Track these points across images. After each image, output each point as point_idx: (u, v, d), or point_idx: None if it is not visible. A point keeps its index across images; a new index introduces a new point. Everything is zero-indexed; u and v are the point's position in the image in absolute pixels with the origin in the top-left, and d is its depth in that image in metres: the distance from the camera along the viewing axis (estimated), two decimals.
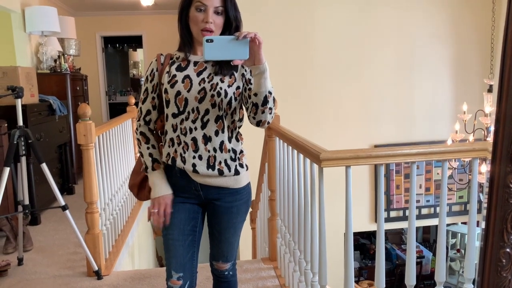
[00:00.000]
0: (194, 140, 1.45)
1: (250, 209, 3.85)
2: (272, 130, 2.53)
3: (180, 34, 1.50)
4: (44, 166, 2.39)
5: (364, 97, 4.87)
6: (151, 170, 1.50)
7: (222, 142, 1.47)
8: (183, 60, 1.48)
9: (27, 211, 2.43)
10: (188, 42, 1.48)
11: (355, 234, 7.05)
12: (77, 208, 3.65)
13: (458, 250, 6.78)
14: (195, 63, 1.47)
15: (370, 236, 7.27)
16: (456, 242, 6.95)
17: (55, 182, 2.47)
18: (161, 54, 1.52)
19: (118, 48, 9.49)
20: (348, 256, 1.59)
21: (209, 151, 1.46)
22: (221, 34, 1.45)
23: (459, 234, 6.90)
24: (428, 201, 5.15)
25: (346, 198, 1.57)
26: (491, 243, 0.73)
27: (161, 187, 1.49)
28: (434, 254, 6.87)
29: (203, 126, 1.45)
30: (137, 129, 1.56)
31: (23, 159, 2.39)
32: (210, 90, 1.43)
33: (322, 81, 4.74)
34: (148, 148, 1.52)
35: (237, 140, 1.53)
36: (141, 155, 1.53)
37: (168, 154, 1.50)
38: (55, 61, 4.61)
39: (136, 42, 8.99)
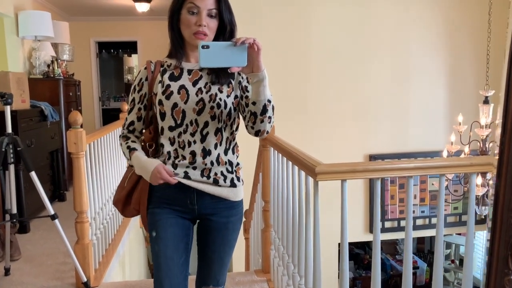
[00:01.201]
0: (193, 153, 1.40)
1: (244, 219, 3.81)
2: (266, 140, 2.49)
3: (171, 39, 1.42)
4: (33, 174, 2.34)
5: (359, 107, 4.84)
6: (129, 160, 1.44)
7: (218, 155, 1.42)
8: (176, 68, 1.40)
9: (14, 220, 2.37)
10: (180, 48, 1.41)
11: (349, 244, 7.02)
12: (68, 216, 3.56)
13: (453, 261, 6.75)
14: (189, 72, 1.40)
15: (365, 246, 7.23)
16: (450, 253, 6.93)
17: (46, 189, 2.42)
18: (151, 62, 1.44)
19: (113, 53, 9.44)
20: (344, 270, 1.55)
21: (205, 164, 1.41)
22: (215, 38, 1.38)
23: (454, 244, 6.89)
24: (423, 211, 5.12)
25: (341, 212, 1.54)
26: (495, 270, 0.69)
27: (147, 164, 1.39)
28: (429, 265, 6.84)
29: (203, 139, 1.39)
30: (119, 136, 1.53)
31: (11, 167, 2.34)
32: (209, 102, 1.37)
33: (317, 90, 4.72)
34: (127, 143, 1.47)
35: (233, 152, 1.47)
36: (124, 154, 1.48)
37: (169, 156, 1.45)
38: (48, 66, 4.55)
39: (131, 47, 8.95)
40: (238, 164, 1.49)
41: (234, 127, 1.46)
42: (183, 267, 1.43)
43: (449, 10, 4.81)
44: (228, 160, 1.44)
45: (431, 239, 7.09)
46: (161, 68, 1.42)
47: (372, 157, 4.93)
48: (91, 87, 7.04)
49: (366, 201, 5.03)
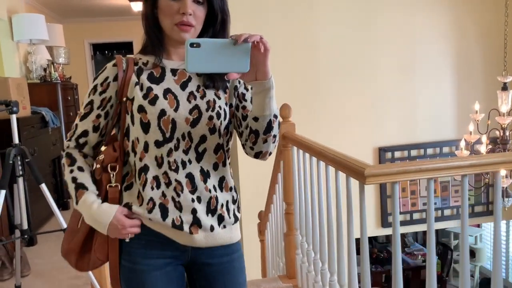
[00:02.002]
0: (190, 176, 1.07)
1: (258, 220, 3.70)
2: (288, 139, 2.36)
3: (145, 30, 1.11)
4: (43, 186, 2.20)
5: (367, 98, 4.73)
6: (75, 204, 1.07)
7: (222, 178, 1.13)
8: (155, 67, 1.09)
9: (26, 236, 2.23)
10: (158, 42, 1.09)
11: (357, 238, 6.94)
12: None
13: None
14: (174, 72, 1.09)
15: (372, 240, 7.15)
16: (459, 244, 6.87)
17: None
18: (122, 58, 1.12)
19: (107, 55, 9.25)
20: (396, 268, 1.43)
21: (210, 191, 1.10)
22: (203, 29, 1.09)
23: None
24: (435, 203, 5.02)
25: (393, 218, 1.42)
26: None
27: (99, 216, 1.05)
28: (440, 258, 6.78)
29: (199, 158, 1.09)
30: (63, 149, 1.13)
31: (20, 180, 2.19)
32: (207, 110, 1.08)
33: (324, 84, 4.60)
34: (71, 171, 1.08)
35: (232, 175, 1.20)
36: (66, 182, 1.11)
37: (151, 199, 1.07)
38: (44, 70, 4.40)
39: (125, 48, 8.75)
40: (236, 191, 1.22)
41: (230, 143, 1.18)
42: None
43: None
44: (234, 186, 1.18)
45: (438, 230, 7.04)
46: (135, 67, 1.09)
47: (382, 150, 4.84)
48: (87, 90, 6.86)
49: (377, 195, 4.93)
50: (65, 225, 2.26)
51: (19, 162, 2.15)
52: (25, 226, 2.23)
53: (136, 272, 1.09)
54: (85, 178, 1.09)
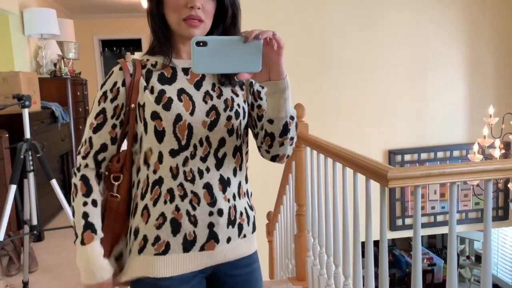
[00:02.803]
0: (208, 187, 0.99)
1: (267, 221, 3.66)
2: (301, 140, 2.33)
3: (152, 28, 1.03)
4: (53, 182, 2.18)
5: (377, 100, 4.69)
6: (79, 242, 0.98)
7: (239, 184, 1.06)
8: (165, 67, 1.00)
9: (35, 231, 2.20)
10: (165, 40, 1.01)
11: (363, 242, 6.89)
12: None
13: (468, 257, 6.63)
14: (185, 71, 1.01)
15: (377, 243, 7.10)
16: (464, 248, 6.81)
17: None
18: (127, 61, 1.03)
19: (116, 51, 9.25)
20: (417, 276, 1.40)
21: (228, 201, 1.02)
22: (213, 25, 1.02)
23: (467, 240, 6.77)
24: (443, 207, 4.98)
25: (414, 222, 1.39)
26: None
27: (98, 271, 0.99)
28: (446, 261, 6.72)
29: (219, 164, 1.00)
30: (78, 168, 1.02)
31: (31, 175, 2.17)
32: (225, 110, 1.00)
33: (334, 85, 4.56)
34: (85, 204, 0.98)
35: (248, 178, 1.13)
36: (72, 212, 1.02)
37: (162, 214, 0.98)
38: (55, 65, 4.38)
39: (134, 45, 8.76)
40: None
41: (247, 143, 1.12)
42: None
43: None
44: (247, 190, 1.10)
45: (443, 234, 6.97)
46: (143, 70, 1.01)
47: (392, 152, 4.79)
48: (96, 86, 6.86)
49: (386, 198, 4.89)
50: None
51: (30, 157, 2.13)
52: (35, 221, 2.21)
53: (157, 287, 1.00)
54: (96, 217, 1.00)
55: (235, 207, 1.03)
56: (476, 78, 4.78)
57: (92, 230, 0.99)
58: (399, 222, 4.92)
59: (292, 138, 1.01)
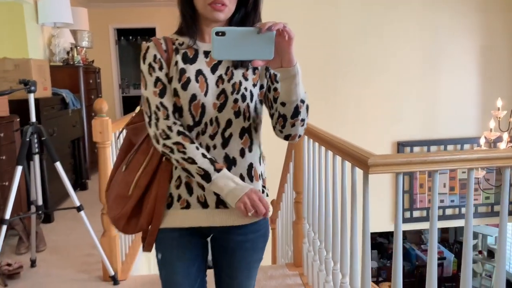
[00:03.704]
0: None
1: (270, 211, 3.71)
2: None
3: (180, 12, 1.12)
4: (58, 165, 2.26)
5: (387, 92, 4.67)
6: (216, 173, 1.06)
7: (250, 166, 1.13)
8: (189, 48, 1.10)
9: (40, 212, 2.30)
10: (192, 22, 1.10)
11: (372, 233, 6.88)
12: (91, 204, 3.51)
13: (480, 252, 6.57)
14: (206, 54, 1.10)
15: (388, 235, 7.09)
16: (477, 243, 6.74)
17: (69, 178, 2.33)
18: (159, 39, 1.12)
19: (131, 40, 9.36)
20: (397, 265, 1.42)
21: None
22: (235, 12, 1.11)
23: (481, 234, 6.70)
24: (452, 201, 4.95)
25: (396, 207, 1.41)
26: None
27: (238, 185, 1.06)
28: (456, 256, 6.67)
29: (225, 143, 1.10)
30: (169, 128, 1.07)
31: (36, 157, 2.25)
32: (232, 93, 1.08)
33: (344, 76, 4.55)
34: (197, 148, 1.07)
35: (263, 160, 1.20)
36: (190, 162, 1.06)
37: (179, 177, 1.13)
38: (67, 53, 4.47)
39: (149, 34, 8.83)
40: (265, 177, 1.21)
41: (260, 126, 1.18)
42: None
43: None
44: (261, 173, 1.18)
45: (456, 228, 6.90)
46: (174, 47, 1.10)
47: (401, 144, 4.77)
48: (111, 75, 6.97)
49: (392, 190, 4.86)
50: (78, 203, 2.32)
51: (36, 140, 2.21)
52: (40, 202, 2.30)
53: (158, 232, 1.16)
54: (207, 154, 1.08)
55: None
56: (488, 70, 4.71)
57: (215, 161, 1.08)
58: (407, 214, 4.91)
59: (303, 120, 1.09)
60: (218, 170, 1.06)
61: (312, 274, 2.25)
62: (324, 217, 2.00)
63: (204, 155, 1.07)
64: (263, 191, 1.19)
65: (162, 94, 1.08)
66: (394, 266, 1.42)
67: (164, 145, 1.08)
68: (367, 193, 1.45)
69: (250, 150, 1.13)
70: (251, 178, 1.14)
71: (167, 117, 1.08)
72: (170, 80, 1.09)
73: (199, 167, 1.06)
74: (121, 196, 1.17)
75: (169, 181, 1.14)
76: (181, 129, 1.08)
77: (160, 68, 1.09)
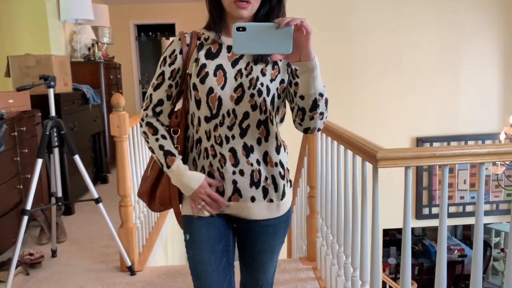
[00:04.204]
0: (233, 151, 1.16)
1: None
2: None
3: (208, 7, 1.19)
4: (76, 158, 2.32)
5: (406, 87, 4.61)
6: (166, 168, 1.19)
7: (266, 153, 1.19)
8: (214, 43, 1.17)
9: (60, 203, 2.37)
10: (218, 18, 1.16)
11: (392, 230, 6.81)
12: (111, 198, 3.60)
13: (502, 250, 6.44)
14: (229, 49, 1.16)
15: None
16: (499, 241, 6.61)
17: (89, 172, 2.41)
18: (186, 33, 1.21)
19: (151, 36, 9.47)
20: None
21: (252, 165, 1.18)
22: (260, 7, 1.15)
23: (503, 232, 6.56)
24: (473, 197, 4.86)
25: (404, 201, 1.41)
26: None
27: (189, 181, 1.17)
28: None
29: (243, 133, 1.16)
30: (142, 119, 1.23)
31: (56, 150, 2.32)
32: (249, 88, 1.13)
33: (361, 70, 4.51)
34: (157, 139, 1.20)
35: (284, 150, 1.24)
36: (152, 151, 1.22)
37: (203, 168, 1.21)
38: (88, 49, 4.56)
39: (169, 30, 8.93)
40: (287, 167, 1.26)
41: (279, 118, 1.23)
42: (225, 272, 1.23)
43: None
44: (280, 161, 1.21)
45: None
46: (198, 42, 1.19)
47: (420, 140, 4.71)
48: (131, 70, 7.08)
49: (413, 186, 4.82)
50: (96, 196, 2.38)
51: (55, 134, 2.27)
52: (60, 194, 2.37)
53: (192, 221, 1.24)
54: (170, 146, 1.21)
55: (259, 171, 1.18)
56: (510, 65, 4.59)
57: (171, 155, 1.19)
58: (425, 210, 4.85)
59: (322, 113, 1.11)
60: (168, 166, 1.19)
61: (325, 268, 2.26)
62: (336, 211, 2.00)
63: (161, 147, 1.19)
64: (282, 177, 1.22)
65: (156, 88, 1.21)
66: (402, 262, 1.42)
67: (142, 132, 1.24)
68: (377, 187, 1.45)
69: (266, 140, 1.18)
70: (266, 163, 1.19)
71: (146, 108, 1.23)
72: (176, 76, 1.19)
73: (156, 157, 1.21)
74: (143, 177, 1.34)
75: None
76: (150, 119, 1.22)
77: (171, 64, 1.19)
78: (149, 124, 1.22)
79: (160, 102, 1.21)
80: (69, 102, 3.50)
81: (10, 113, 2.72)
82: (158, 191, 1.29)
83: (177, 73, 1.20)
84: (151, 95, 1.22)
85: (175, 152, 1.20)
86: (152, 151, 1.22)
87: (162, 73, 1.20)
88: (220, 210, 1.21)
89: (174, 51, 1.20)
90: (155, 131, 1.21)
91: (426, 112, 4.68)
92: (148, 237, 2.89)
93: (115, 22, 6.36)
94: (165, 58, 1.21)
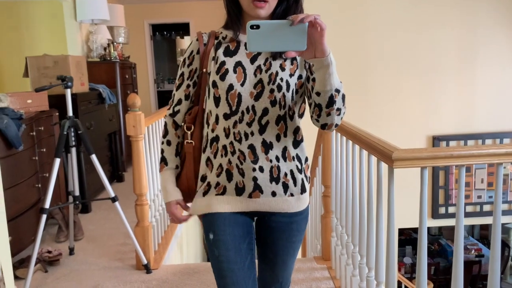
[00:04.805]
0: (252, 148, 1.17)
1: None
2: None
3: (226, 7, 1.20)
4: (93, 157, 2.35)
5: (422, 84, 4.55)
6: (159, 171, 1.33)
7: (285, 149, 1.20)
8: (232, 41, 1.19)
9: (77, 202, 2.41)
10: (236, 17, 1.18)
11: (408, 229, 6.75)
12: (127, 196, 3.66)
13: None
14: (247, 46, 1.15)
15: None
16: None
17: (106, 170, 2.44)
18: (203, 33, 1.24)
19: (166, 35, 9.52)
20: (421, 259, 1.41)
21: (271, 161, 1.18)
22: (277, 6, 1.15)
23: None
24: (490, 197, 4.79)
25: (420, 202, 1.39)
26: None
27: (166, 194, 1.30)
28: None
29: (262, 130, 1.17)
30: (166, 116, 1.34)
31: (73, 150, 2.36)
32: (268, 83, 1.14)
33: (377, 68, 4.48)
34: (162, 142, 1.32)
35: (302, 143, 1.25)
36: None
37: (220, 166, 1.21)
38: (104, 49, 4.62)
39: (183, 29, 8.97)
40: (307, 159, 1.27)
41: (299, 113, 1.23)
42: (249, 270, 1.22)
43: None
44: (297, 155, 1.22)
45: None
46: (216, 41, 1.21)
47: (436, 139, 4.66)
48: (146, 70, 7.13)
49: (429, 185, 4.76)
50: (113, 194, 2.41)
51: (73, 134, 2.31)
52: (77, 193, 2.41)
53: (214, 221, 1.27)
54: (169, 153, 1.31)
55: (278, 167, 1.19)
56: None
57: (165, 163, 1.31)
58: (442, 210, 4.80)
59: (338, 109, 1.11)
60: (160, 170, 1.33)
61: (340, 267, 2.25)
62: (351, 211, 2.00)
63: (162, 151, 1.32)
64: (300, 171, 1.23)
65: (177, 88, 1.29)
66: (418, 262, 1.41)
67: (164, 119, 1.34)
68: (392, 187, 1.44)
69: (285, 136, 1.19)
70: (285, 159, 1.20)
71: (170, 107, 1.31)
72: (208, 74, 1.21)
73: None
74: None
75: (196, 163, 1.29)
76: (168, 120, 1.32)
77: (189, 64, 1.25)
78: (165, 124, 1.32)
79: (179, 102, 1.29)
80: (86, 101, 3.55)
81: (28, 113, 2.77)
82: (179, 185, 1.34)
83: (195, 72, 1.25)
84: (174, 95, 1.30)
85: (170, 162, 1.31)
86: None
87: (182, 74, 1.27)
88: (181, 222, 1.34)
89: (192, 52, 1.25)
90: (165, 133, 1.32)
91: (443, 110, 4.62)
92: (163, 236, 2.92)
93: (130, 22, 6.42)
94: (184, 60, 1.27)
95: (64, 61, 3.28)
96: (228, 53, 1.18)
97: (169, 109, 1.32)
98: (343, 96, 1.10)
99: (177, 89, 1.29)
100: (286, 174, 1.20)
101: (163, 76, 9.33)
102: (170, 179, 1.30)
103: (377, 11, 4.36)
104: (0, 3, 3.92)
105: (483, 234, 7.19)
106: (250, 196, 1.20)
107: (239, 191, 1.20)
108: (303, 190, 1.24)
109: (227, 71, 1.16)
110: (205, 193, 1.24)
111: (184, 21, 7.22)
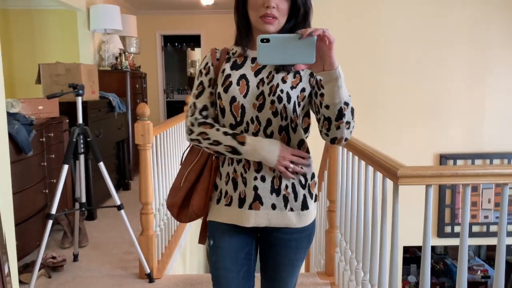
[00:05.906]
0: None
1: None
2: None
3: (236, 24, 1.24)
4: (101, 165, 2.38)
5: (430, 101, 4.55)
6: (240, 146, 1.17)
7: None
8: (240, 56, 1.24)
9: (83, 209, 2.42)
10: (245, 33, 1.22)
11: (413, 247, 6.68)
12: (132, 204, 3.67)
13: None
14: (253, 60, 1.22)
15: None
16: None
17: (112, 178, 2.46)
18: (216, 49, 1.28)
19: (177, 47, 9.63)
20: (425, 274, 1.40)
21: (273, 171, 1.19)
22: (287, 22, 1.19)
23: None
24: (497, 217, 4.71)
25: (425, 220, 1.40)
26: None
27: (269, 148, 1.16)
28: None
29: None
30: (192, 124, 1.24)
31: (82, 157, 2.39)
32: (269, 95, 1.16)
33: (384, 83, 4.48)
34: (218, 129, 1.20)
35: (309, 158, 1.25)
36: (216, 144, 1.20)
37: (228, 174, 1.25)
38: (116, 58, 4.68)
39: (194, 41, 9.07)
40: (313, 176, 1.26)
41: (303, 127, 1.24)
42: (244, 280, 1.25)
43: None
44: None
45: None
46: (227, 56, 1.26)
47: (443, 157, 4.63)
48: (156, 80, 7.21)
49: (435, 203, 4.73)
50: (118, 202, 2.42)
51: (82, 141, 2.34)
52: (83, 199, 2.43)
53: (212, 221, 1.30)
54: (228, 130, 1.21)
55: (280, 178, 1.20)
56: None
57: (238, 134, 1.19)
58: (447, 229, 4.76)
59: (348, 123, 1.11)
60: (242, 143, 1.18)
61: (343, 283, 2.24)
62: (355, 227, 1.99)
63: (226, 133, 1.20)
64: (303, 187, 1.22)
65: (198, 95, 1.26)
66: (421, 282, 1.40)
67: (191, 139, 1.25)
68: (397, 204, 1.45)
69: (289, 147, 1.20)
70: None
71: (192, 114, 1.25)
72: (214, 85, 1.25)
73: (225, 145, 1.19)
74: (174, 187, 1.35)
75: (216, 177, 1.28)
76: (202, 120, 1.24)
77: (207, 74, 1.26)
78: (203, 123, 1.23)
79: (205, 108, 1.25)
80: (96, 109, 3.59)
81: (39, 119, 2.81)
82: (193, 201, 1.29)
83: (214, 82, 1.26)
84: (194, 103, 1.26)
85: (237, 131, 1.21)
86: (217, 144, 1.20)
87: (201, 83, 1.27)
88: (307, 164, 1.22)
89: (207, 63, 1.27)
90: (211, 125, 1.22)
91: (451, 128, 4.61)
92: (167, 245, 2.92)
93: (143, 32, 6.51)
94: (200, 71, 1.28)
95: (76, 69, 3.33)
96: (235, 67, 1.23)
97: (192, 115, 1.25)
98: (352, 110, 1.11)
99: (197, 97, 1.26)
100: (287, 187, 1.20)
101: (172, 87, 9.41)
102: (258, 137, 1.20)
103: (386, 28, 4.38)
104: (15, 12, 4.00)
105: (489, 255, 7.08)
106: (250, 207, 1.21)
107: (241, 202, 1.22)
108: (304, 206, 1.22)
109: (230, 83, 1.20)
110: (218, 201, 1.28)
111: (195, 33, 7.31)
